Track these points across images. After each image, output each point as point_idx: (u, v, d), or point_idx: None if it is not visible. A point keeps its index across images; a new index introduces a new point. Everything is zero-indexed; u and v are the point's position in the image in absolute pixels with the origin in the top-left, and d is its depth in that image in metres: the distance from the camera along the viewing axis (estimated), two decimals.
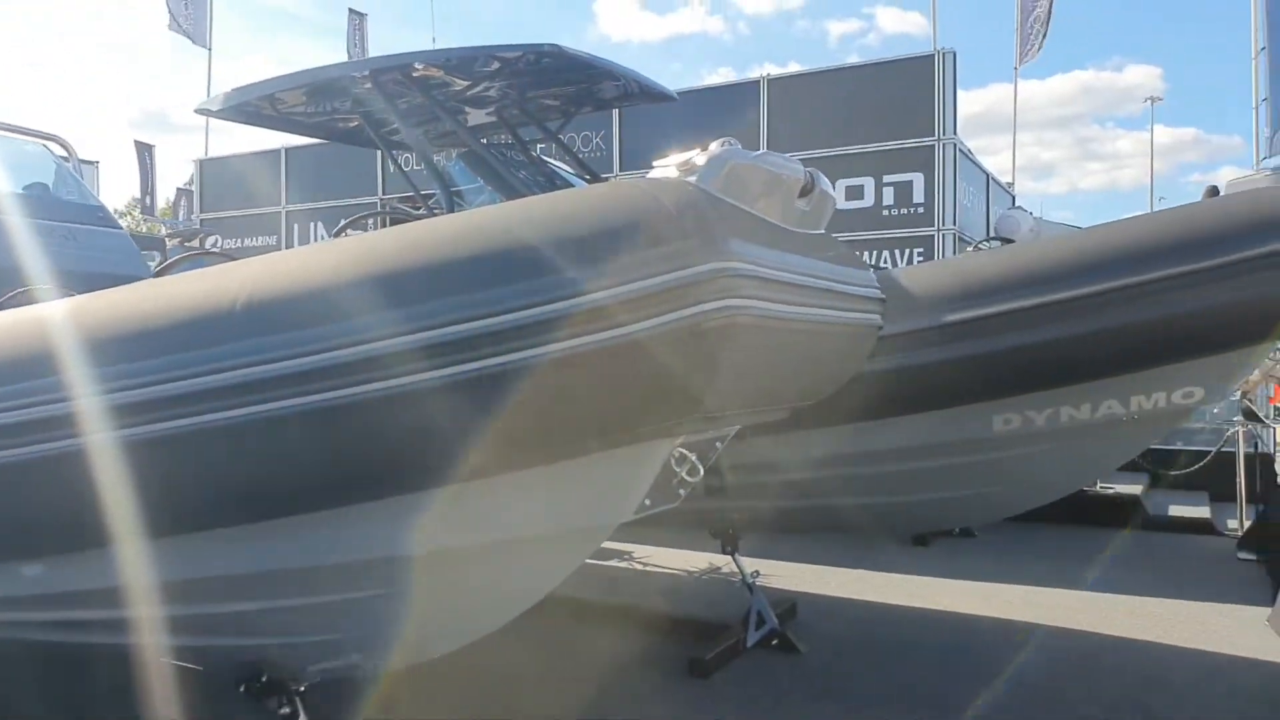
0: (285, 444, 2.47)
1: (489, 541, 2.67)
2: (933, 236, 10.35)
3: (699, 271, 2.21)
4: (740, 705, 4.36)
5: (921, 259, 10.16)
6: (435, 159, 5.93)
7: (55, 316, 2.88)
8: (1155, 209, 10.16)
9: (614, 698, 4.43)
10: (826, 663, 4.94)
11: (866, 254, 10.65)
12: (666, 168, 2.49)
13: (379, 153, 10.07)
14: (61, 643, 3.48)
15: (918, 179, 10.59)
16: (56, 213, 5.30)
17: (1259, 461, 8.52)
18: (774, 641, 5.11)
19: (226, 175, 15.03)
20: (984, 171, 12.20)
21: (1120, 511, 8.44)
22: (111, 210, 5.98)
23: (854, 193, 10.91)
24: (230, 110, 5.78)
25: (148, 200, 22.40)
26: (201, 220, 14.85)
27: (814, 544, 7.54)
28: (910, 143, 10.55)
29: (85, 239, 5.22)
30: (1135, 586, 6.46)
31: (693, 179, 2.40)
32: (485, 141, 6.53)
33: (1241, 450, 8.15)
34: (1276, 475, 9.38)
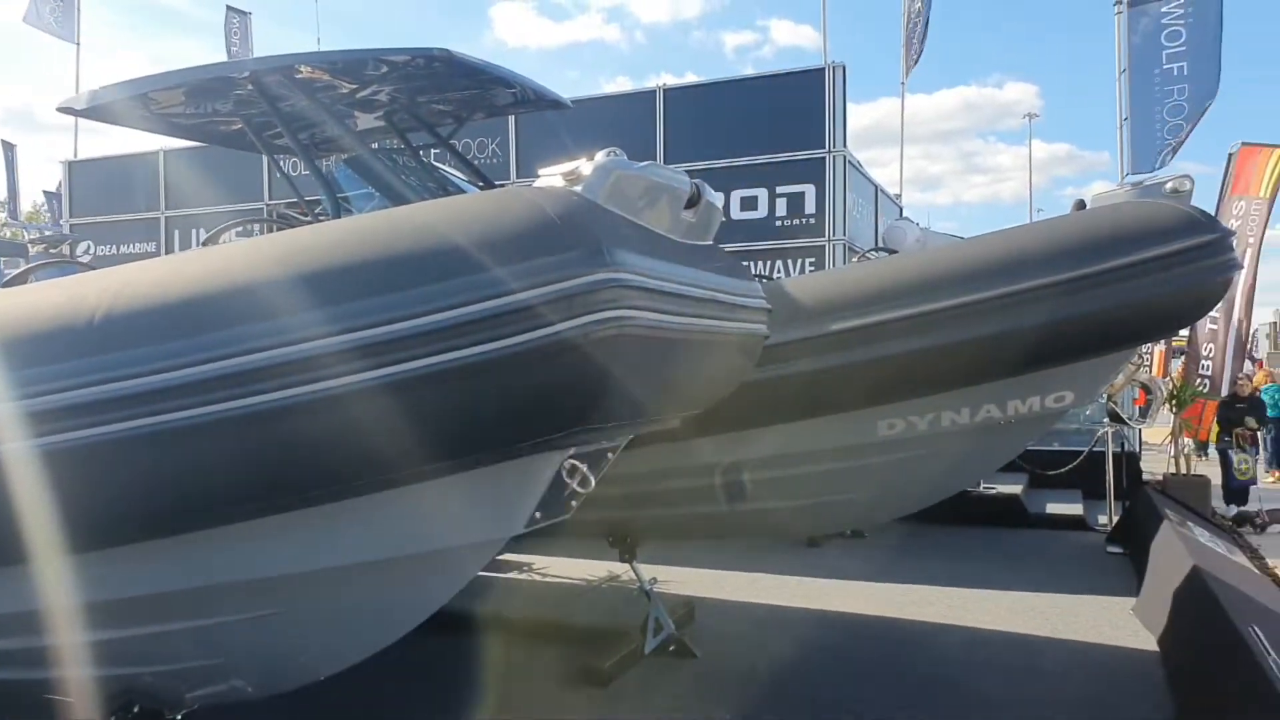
0: (145, 463, 2.37)
1: (374, 560, 2.60)
2: (824, 247, 10.59)
3: (585, 283, 2.18)
4: (637, 711, 4.37)
5: (813, 269, 10.39)
6: (321, 164, 5.76)
7: None
8: (1034, 220, 10.63)
9: (510, 710, 4.38)
10: (724, 666, 4.99)
11: (760, 264, 10.83)
12: (552, 177, 2.48)
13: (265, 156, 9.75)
14: None
15: (809, 190, 10.82)
16: None
17: (1125, 460, 9.04)
18: (671, 647, 5.14)
19: (98, 178, 14.24)
20: (873, 183, 12.55)
21: (1001, 510, 8.83)
22: None
23: (748, 203, 11.08)
24: (98, 110, 5.47)
25: (11, 204, 21.09)
26: (71, 225, 14.06)
27: (711, 549, 7.62)
28: (802, 155, 10.77)
29: None
30: (1014, 582, 6.75)
31: (578, 189, 2.39)
32: (376, 146, 6.38)
33: (1110, 450, 8.64)
34: (1141, 473, 9.98)
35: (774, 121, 11.03)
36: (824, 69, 10.82)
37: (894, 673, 4.84)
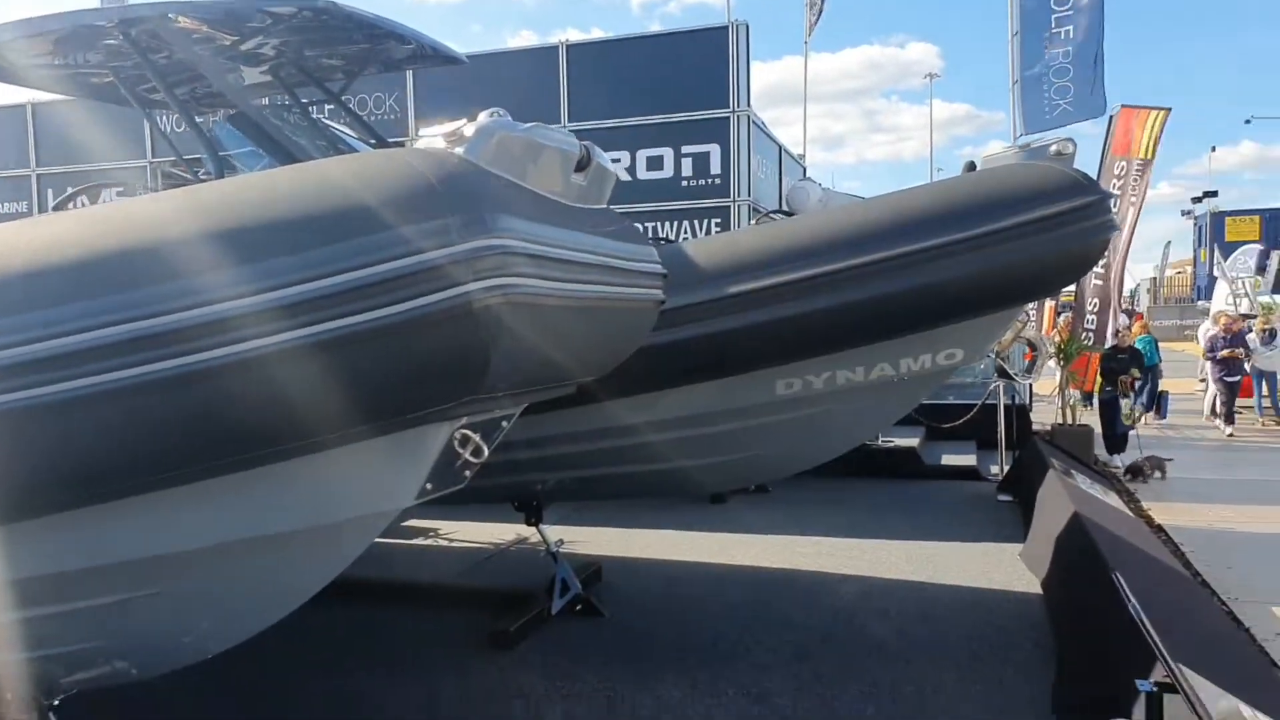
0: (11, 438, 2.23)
1: (259, 536, 2.52)
2: (729, 208, 10.64)
3: (466, 250, 2.12)
4: (543, 672, 4.40)
5: (719, 230, 10.44)
6: (202, 121, 5.48)
7: None
8: (934, 179, 10.85)
9: (414, 675, 4.36)
10: (628, 623, 5.06)
11: (668, 225, 10.83)
12: (434, 138, 2.39)
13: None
14: None
15: (714, 150, 10.82)
16: None
17: (1015, 413, 9.44)
18: (578, 607, 5.18)
19: None
20: (776, 143, 12.63)
21: (899, 462, 9.13)
22: None
23: (654, 163, 11.03)
24: None
25: None
26: None
27: (619, 508, 7.69)
28: (707, 114, 10.74)
29: None
30: (910, 531, 7.01)
31: (460, 150, 2.32)
32: (266, 103, 6.10)
33: (1001, 403, 8.99)
34: (1031, 424, 10.43)
35: (679, 80, 10.97)
36: (728, 27, 10.80)
37: (793, 623, 4.98)
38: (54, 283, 2.20)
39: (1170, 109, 11.78)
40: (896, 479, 8.96)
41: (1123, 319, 12.35)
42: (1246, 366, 13.09)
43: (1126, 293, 24.29)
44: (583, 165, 2.72)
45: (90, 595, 2.78)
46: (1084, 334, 12.05)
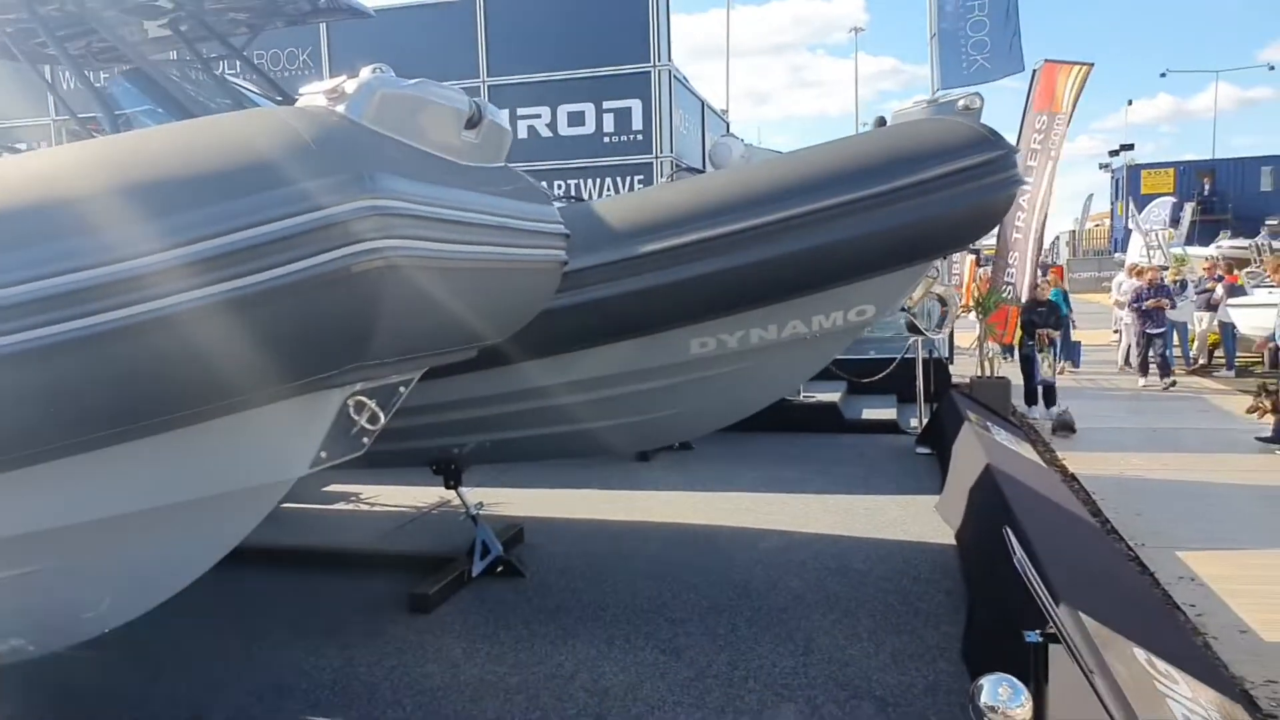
0: None
1: (149, 508, 2.43)
2: (652, 164, 10.57)
3: (344, 211, 2.03)
4: (462, 635, 4.38)
5: (642, 186, 10.37)
6: (93, 77, 5.21)
7: None
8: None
9: (329, 641, 4.30)
10: (549, 583, 5.06)
11: (590, 182, 10.72)
12: (314, 96, 2.29)
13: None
14: None
15: (636, 106, 10.70)
16: None
17: (934, 366, 9.63)
18: (499, 569, 5.17)
19: None
20: (699, 98, 12.55)
21: (820, 417, 9.26)
22: None
23: (575, 119, 10.88)
24: None
25: None
26: None
27: (543, 469, 7.67)
28: (627, 69, 10.60)
29: None
30: (829, 485, 7.13)
31: (340, 109, 2.22)
32: (174, 58, 5.84)
33: (919, 357, 9.16)
34: (950, 377, 10.66)
35: (599, 34, 10.80)
36: None
37: (711, 578, 5.04)
38: None
39: (1093, 64, 11.96)
40: (818, 434, 9.09)
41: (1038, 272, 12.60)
42: (1179, 317, 13.40)
43: (1046, 245, 24.91)
44: (473, 122, 2.63)
45: None
46: (1004, 287, 12.32)
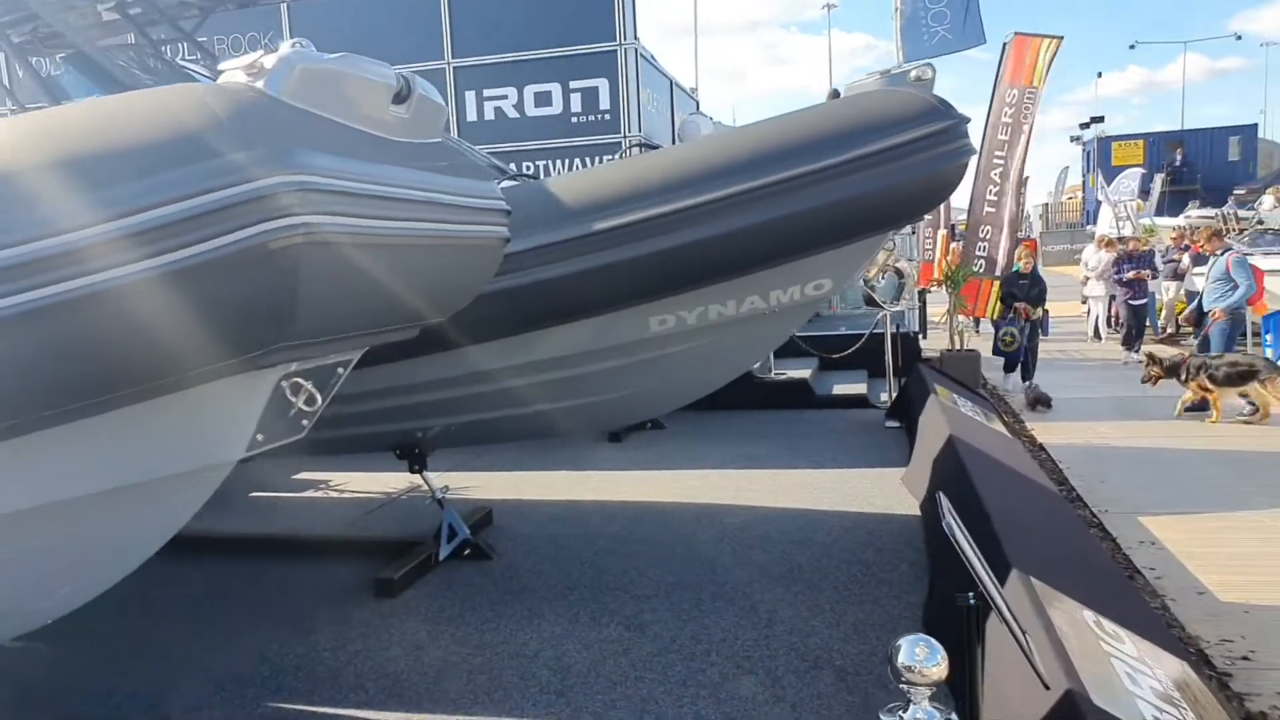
0: None
1: (84, 494, 2.40)
2: (621, 144, 10.52)
3: (260, 187, 2.00)
4: (427, 618, 4.38)
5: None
6: (45, 65, 5.13)
7: None
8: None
9: (292, 628, 4.29)
10: (516, 564, 5.07)
11: (559, 163, 10.67)
12: (234, 71, 2.25)
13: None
14: None
15: (603, 85, 10.65)
16: None
17: (903, 340, 9.68)
18: (466, 552, 5.16)
19: None
20: (667, 77, 12.49)
21: (792, 393, 9.30)
22: None
23: (542, 99, 10.81)
24: None
25: None
26: None
27: (514, 451, 7.67)
28: (594, 48, 10.55)
29: None
30: (799, 460, 7.17)
31: (260, 84, 2.18)
32: (132, 42, 5.74)
33: (888, 332, 9.20)
34: (920, 351, 10.72)
35: (565, 13, 10.72)
36: None
37: (677, 554, 5.06)
38: None
39: (1062, 37, 11.97)
40: (790, 410, 9.13)
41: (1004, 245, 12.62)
42: (1150, 288, 13.40)
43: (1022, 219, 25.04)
44: (402, 97, 2.60)
45: None
46: (976, 261, 12.38)
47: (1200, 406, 8.76)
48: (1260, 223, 14.83)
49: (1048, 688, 2.23)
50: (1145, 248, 13.87)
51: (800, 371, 9.58)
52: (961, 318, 11.46)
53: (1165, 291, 14.18)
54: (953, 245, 13.06)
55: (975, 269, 12.30)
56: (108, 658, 4.08)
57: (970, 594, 2.21)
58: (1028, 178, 25.84)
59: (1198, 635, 4.29)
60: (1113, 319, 14.74)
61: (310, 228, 2.08)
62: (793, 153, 3.87)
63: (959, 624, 2.85)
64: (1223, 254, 9.20)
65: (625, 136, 10.43)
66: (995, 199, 12.32)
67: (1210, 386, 8.57)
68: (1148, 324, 13.89)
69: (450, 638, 4.14)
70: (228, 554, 5.58)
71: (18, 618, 2.75)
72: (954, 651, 2.75)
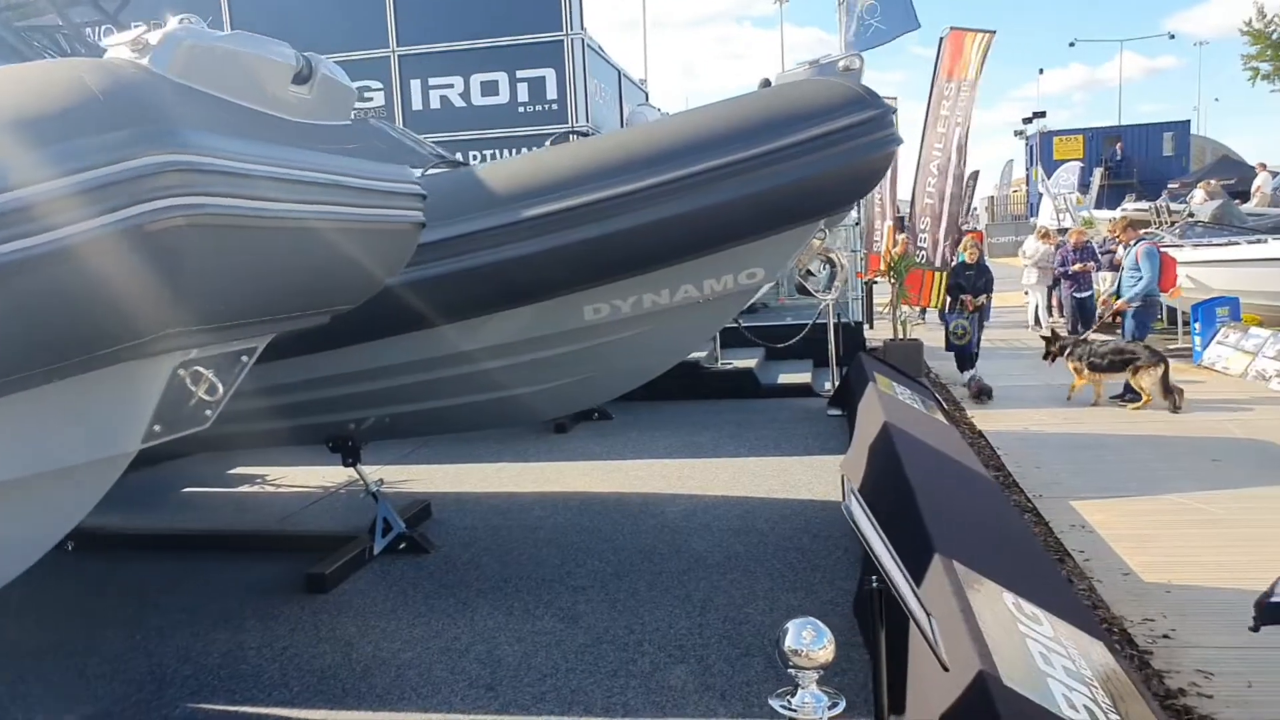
0: None
1: None
2: (568, 134, 10.45)
3: (138, 166, 1.91)
4: (358, 613, 4.32)
5: None
6: None
7: None
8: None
9: (219, 624, 4.21)
10: (453, 557, 5.02)
11: (506, 153, 10.57)
12: (118, 47, 2.17)
13: None
14: None
15: (550, 75, 10.57)
16: None
17: (844, 330, 9.76)
18: (402, 545, 5.10)
19: None
20: (615, 68, 12.45)
21: (738, 383, 9.33)
22: None
23: (489, 89, 10.71)
24: None
25: None
26: None
27: (457, 444, 7.61)
28: (540, 37, 10.47)
29: None
30: (741, 449, 7.20)
31: (144, 60, 2.11)
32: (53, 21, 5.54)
33: (831, 322, 9.27)
34: (865, 341, 10.82)
35: (511, 2, 10.62)
36: None
37: (616, 544, 5.05)
38: None
39: (995, 31, 12.16)
40: (736, 399, 9.17)
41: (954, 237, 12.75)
42: (1094, 280, 13.55)
43: (967, 211, 25.43)
44: (303, 77, 2.52)
45: None
46: (918, 253, 12.53)
47: (1128, 390, 8.99)
48: (1190, 215, 15.21)
49: (946, 669, 2.26)
50: (1088, 239, 14.10)
51: (747, 361, 9.62)
52: (905, 308, 11.59)
53: (1101, 282, 14.47)
54: (899, 236, 13.19)
55: (918, 260, 12.46)
56: (19, 660, 3.95)
57: (875, 577, 2.23)
58: (976, 171, 26.29)
59: (1122, 615, 4.39)
60: (1052, 307, 15.02)
61: (194, 209, 1.99)
62: (719, 141, 3.85)
63: (884, 609, 2.87)
64: (1136, 244, 9.42)
65: (573, 127, 10.37)
66: (934, 191, 12.49)
67: (1081, 368, 8.96)
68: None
69: (381, 633, 4.08)
70: (158, 551, 5.45)
71: None
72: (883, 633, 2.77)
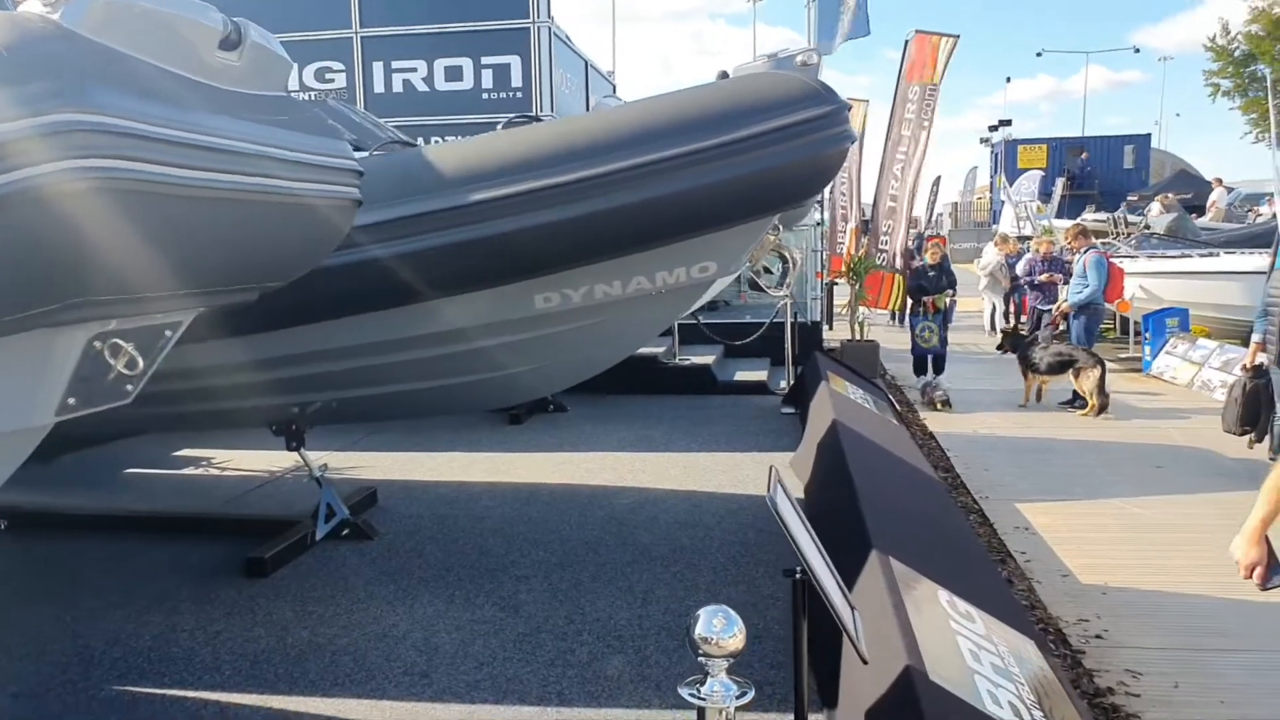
0: None
1: None
2: (524, 119, 10.37)
3: (41, 124, 1.83)
4: (296, 599, 4.25)
5: None
6: None
7: None
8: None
9: (153, 608, 4.12)
10: (397, 545, 4.96)
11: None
12: (31, 2, 2.09)
13: None
14: None
15: (515, 62, 10.50)
16: None
17: (799, 330, 9.81)
18: (345, 532, 5.04)
19: None
20: (582, 58, 12.39)
21: (696, 379, 9.35)
22: None
23: (453, 74, 10.61)
24: None
25: None
26: None
27: (408, 432, 7.53)
28: (507, 24, 10.39)
29: None
30: (694, 444, 7.20)
31: (56, 15, 2.03)
32: None
33: (789, 320, 9.31)
34: (822, 341, 10.88)
35: None
36: None
37: (563, 535, 5.02)
38: None
39: (959, 35, 12.27)
40: (692, 395, 9.18)
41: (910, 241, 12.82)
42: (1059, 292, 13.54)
43: (933, 217, 25.70)
44: (231, 43, 2.45)
45: None
46: (879, 255, 12.63)
47: (1076, 398, 9.14)
48: (1147, 227, 15.49)
49: (865, 662, 2.27)
50: (1056, 251, 14.21)
51: (705, 358, 9.64)
52: (864, 309, 11.67)
53: (1065, 293, 14.68)
54: (864, 239, 13.27)
55: (879, 262, 12.56)
56: None
57: (798, 569, 2.23)
58: (939, 176, 26.55)
59: (1058, 615, 4.45)
60: (1009, 314, 15.21)
61: (103, 172, 1.90)
62: (673, 131, 3.83)
63: (821, 603, 2.88)
64: (1086, 252, 9.56)
65: (537, 115, 10.29)
66: (897, 194, 12.60)
67: (1026, 370, 9.21)
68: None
69: (317, 619, 4.02)
70: (96, 532, 5.34)
71: None
72: (821, 624, 2.78)
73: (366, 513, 5.43)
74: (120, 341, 2.26)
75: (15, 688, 3.42)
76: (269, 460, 6.66)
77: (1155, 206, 17.32)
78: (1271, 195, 16.56)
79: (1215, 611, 4.43)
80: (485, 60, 10.58)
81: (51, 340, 2.17)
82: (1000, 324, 14.82)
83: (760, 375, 9.55)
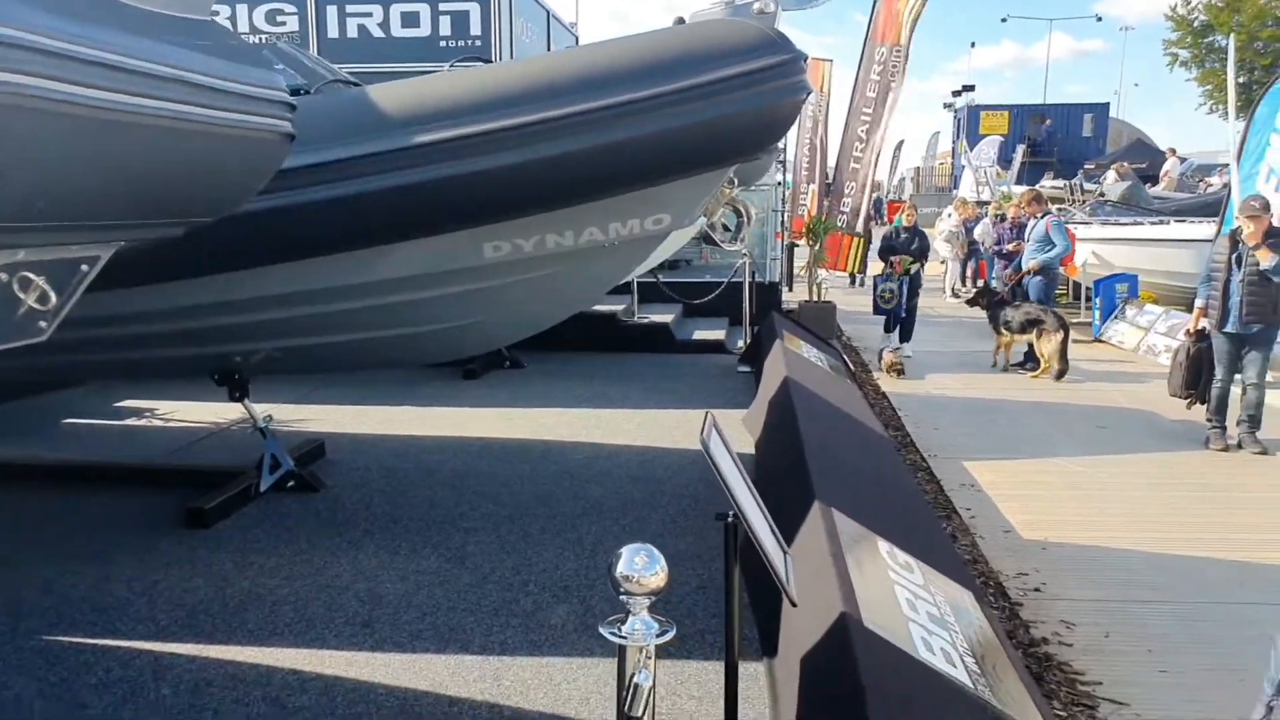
0: None
1: None
2: (473, 59, 10.16)
3: None
4: (237, 549, 4.18)
5: None
6: None
7: None
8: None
9: (89, 558, 4.03)
10: (343, 497, 4.90)
11: None
12: None
13: None
14: None
15: (474, 9, 10.26)
16: None
17: (759, 290, 9.81)
18: (291, 484, 4.96)
19: None
20: (544, 8, 12.15)
21: (654, 338, 9.32)
22: None
23: (409, 20, 10.34)
24: None
25: None
26: None
27: (360, 385, 7.44)
28: None
29: None
30: (650, 401, 7.19)
31: None
32: None
33: (747, 280, 9.30)
34: (780, 301, 10.89)
35: None
36: None
37: (513, 489, 5.00)
38: None
39: None
40: (651, 353, 9.15)
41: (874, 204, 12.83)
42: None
43: (885, 178, 25.73)
44: None
45: None
46: (839, 216, 12.64)
47: (1029, 359, 9.27)
48: (1102, 195, 15.66)
49: (794, 605, 2.28)
50: (1000, 211, 14.31)
51: (663, 316, 9.61)
52: (823, 271, 11.70)
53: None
54: (826, 201, 13.27)
55: (839, 223, 12.58)
56: None
57: (730, 513, 2.22)
58: (901, 141, 26.63)
59: (999, 569, 4.53)
60: (966, 277, 15.35)
61: (8, 87, 1.80)
62: (625, 76, 3.74)
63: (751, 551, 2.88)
64: (1042, 217, 9.64)
65: (487, 58, 10.08)
66: (861, 156, 12.59)
67: (997, 328, 9.30)
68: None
69: (258, 569, 3.96)
70: (32, 482, 5.21)
71: None
72: (764, 576, 2.78)
73: (314, 465, 5.36)
74: (30, 274, 2.16)
75: None
76: (215, 412, 6.54)
77: (1111, 175, 17.51)
78: (1223, 166, 16.83)
79: (1146, 565, 4.54)
80: (443, 6, 10.33)
81: None
82: (957, 286, 14.97)
83: (718, 334, 9.55)
